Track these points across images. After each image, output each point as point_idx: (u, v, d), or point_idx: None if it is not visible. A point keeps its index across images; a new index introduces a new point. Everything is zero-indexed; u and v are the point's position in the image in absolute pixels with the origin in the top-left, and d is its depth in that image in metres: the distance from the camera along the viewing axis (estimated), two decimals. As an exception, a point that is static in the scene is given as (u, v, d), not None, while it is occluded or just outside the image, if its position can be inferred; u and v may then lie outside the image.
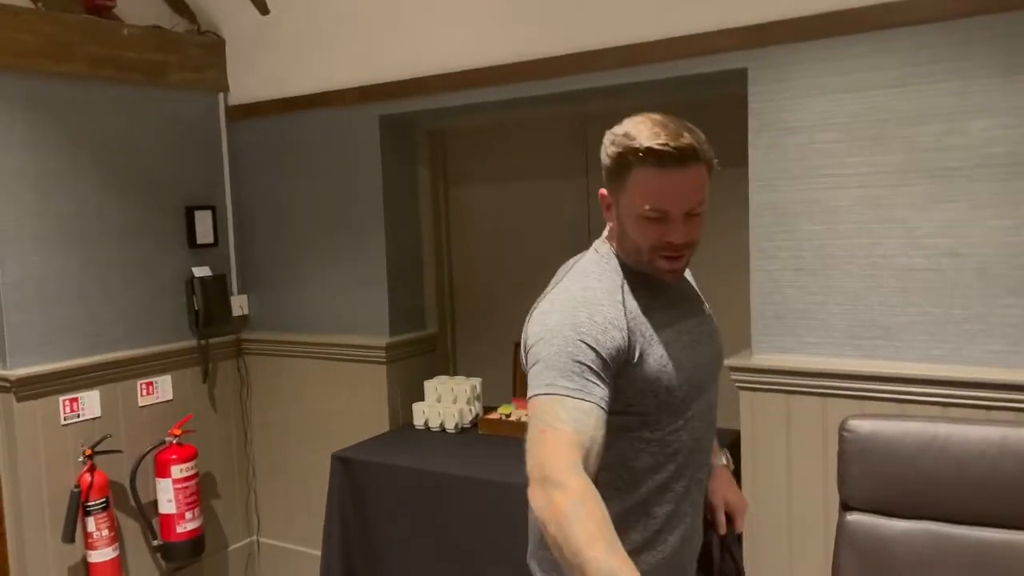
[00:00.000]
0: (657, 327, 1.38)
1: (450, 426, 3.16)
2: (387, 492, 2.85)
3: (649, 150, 1.30)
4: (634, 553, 1.31)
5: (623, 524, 1.34)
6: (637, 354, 1.34)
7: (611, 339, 1.32)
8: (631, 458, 1.39)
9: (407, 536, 2.81)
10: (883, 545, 1.56)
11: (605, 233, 1.52)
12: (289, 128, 3.51)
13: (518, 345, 3.25)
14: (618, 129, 1.39)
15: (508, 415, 3.12)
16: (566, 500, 1.16)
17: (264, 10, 3.52)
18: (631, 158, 1.32)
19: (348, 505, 2.93)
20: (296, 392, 3.57)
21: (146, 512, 3.30)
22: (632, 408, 1.37)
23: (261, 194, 3.64)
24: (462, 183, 3.54)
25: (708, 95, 2.74)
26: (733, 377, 2.50)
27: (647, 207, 1.32)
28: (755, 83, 2.49)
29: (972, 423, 1.59)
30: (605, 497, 1.21)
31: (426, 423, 3.22)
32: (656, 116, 1.35)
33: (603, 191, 1.42)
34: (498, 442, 3.00)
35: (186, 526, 3.27)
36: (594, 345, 1.30)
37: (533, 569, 1.53)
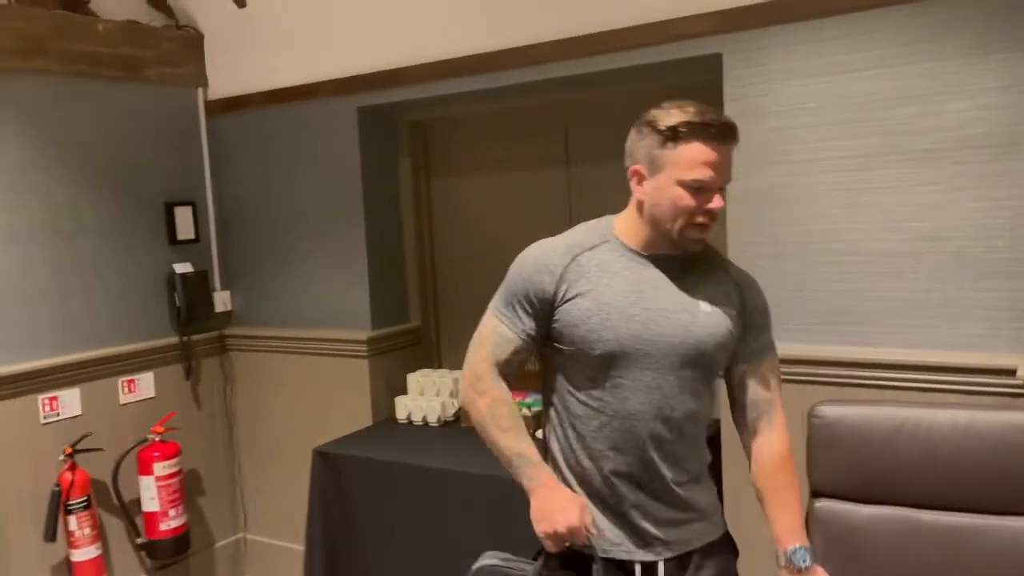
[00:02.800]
0: (607, 288, 1.55)
1: (433, 420, 3.14)
2: (369, 486, 2.84)
3: (704, 124, 1.46)
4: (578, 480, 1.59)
5: (568, 454, 1.61)
6: (563, 298, 1.56)
7: (539, 281, 1.58)
8: (568, 399, 1.61)
9: (390, 530, 2.80)
10: (851, 531, 1.53)
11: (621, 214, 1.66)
12: (269, 122, 3.48)
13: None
14: (664, 107, 1.53)
15: (491, 407, 3.10)
16: (484, 404, 1.62)
17: (241, 3, 3.49)
18: (683, 130, 1.47)
19: (330, 500, 2.91)
20: (280, 387, 3.55)
21: (129, 510, 3.28)
22: (560, 345, 1.59)
23: (242, 189, 3.61)
24: (445, 174, 3.51)
25: (685, 82, 2.71)
26: (712, 365, 2.48)
27: (694, 176, 1.47)
28: (730, 68, 2.46)
29: (940, 407, 1.56)
30: (551, 426, 1.64)
31: (409, 417, 3.21)
32: (690, 102, 1.51)
33: (636, 166, 1.55)
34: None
35: (170, 524, 3.25)
36: (526, 283, 1.59)
37: None
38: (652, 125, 1.52)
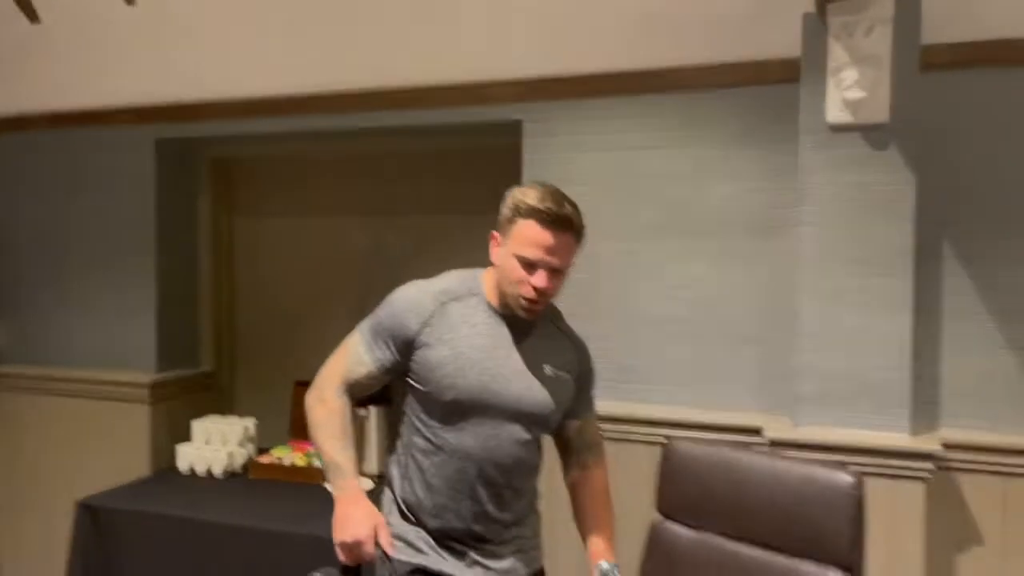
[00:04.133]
0: (465, 339, 1.67)
1: (218, 470, 2.98)
2: (139, 543, 2.63)
3: (535, 209, 1.61)
4: (412, 506, 1.72)
5: (405, 481, 1.74)
6: (425, 341, 1.67)
7: (406, 320, 1.68)
8: (415, 432, 1.73)
9: (161, 592, 2.60)
10: (676, 551, 1.76)
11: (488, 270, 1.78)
12: (57, 145, 3.25)
13: (299, 384, 3.20)
14: (527, 185, 1.69)
15: (283, 458, 2.99)
16: (323, 410, 1.72)
17: (34, 18, 3.25)
18: (523, 208, 1.62)
19: (93, 557, 2.68)
20: (49, 432, 3.25)
21: None
22: (415, 384, 1.70)
23: (21, 214, 3.33)
24: (251, 214, 3.40)
25: (489, 143, 2.82)
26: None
27: (525, 253, 1.62)
28: (529, 135, 2.59)
29: (762, 455, 1.80)
30: (397, 454, 1.78)
31: (191, 468, 3.03)
32: (551, 187, 1.66)
33: (495, 232, 1.70)
34: (270, 487, 2.86)
35: (-102, 587, 2.86)
36: (393, 320, 1.70)
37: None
38: (510, 199, 1.66)
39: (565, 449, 1.84)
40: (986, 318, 2.20)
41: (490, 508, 1.69)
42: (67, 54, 3.20)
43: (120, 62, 3.12)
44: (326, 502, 2.65)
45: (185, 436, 3.12)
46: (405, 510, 1.74)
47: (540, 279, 1.62)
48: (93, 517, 2.68)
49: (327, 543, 2.31)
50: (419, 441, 1.72)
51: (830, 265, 2.19)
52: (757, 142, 2.38)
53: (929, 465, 2.06)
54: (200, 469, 3.01)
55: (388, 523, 1.71)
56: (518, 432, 1.69)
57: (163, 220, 3.15)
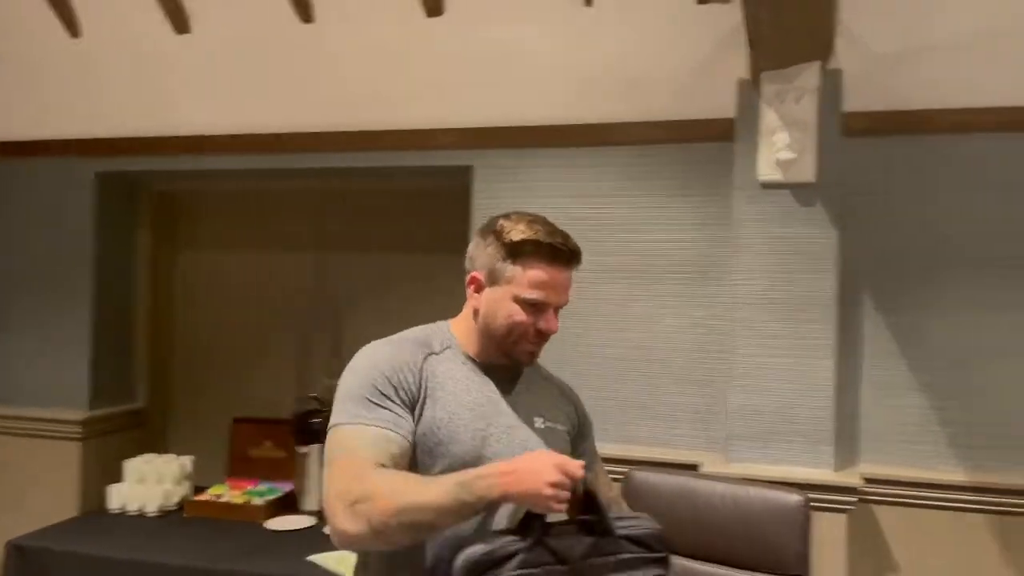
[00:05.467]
0: (454, 397, 1.42)
1: (152, 509, 2.92)
2: (70, 584, 2.56)
3: (550, 246, 1.42)
4: None
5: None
6: (422, 400, 1.41)
7: (404, 377, 1.40)
8: None
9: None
10: None
11: (456, 320, 1.54)
12: (-9, 176, 3.18)
13: (237, 420, 3.17)
14: (513, 218, 1.47)
15: (220, 496, 2.96)
16: (381, 495, 1.24)
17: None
18: (529, 247, 1.42)
19: (24, 601, 2.59)
20: (-33, 472, 3.12)
21: None
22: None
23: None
24: (193, 248, 3.39)
25: (441, 186, 2.91)
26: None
27: (531, 296, 1.42)
28: (479, 180, 2.69)
29: (717, 480, 1.97)
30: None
31: (124, 507, 2.96)
32: (538, 217, 1.48)
33: (476, 273, 1.48)
34: (206, 525, 2.82)
35: None
36: (389, 379, 1.38)
37: None
38: (498, 235, 1.45)
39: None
40: (900, 361, 2.40)
41: None
42: (8, 85, 3.14)
43: (62, 94, 3.08)
44: (266, 539, 2.67)
45: (118, 474, 3.05)
46: None
47: (551, 321, 1.45)
48: (23, 558, 2.60)
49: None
50: None
51: (761, 311, 2.36)
52: (694, 194, 2.54)
53: (851, 498, 2.22)
54: (132, 508, 2.94)
55: None
56: None
57: (101, 253, 3.10)
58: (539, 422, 1.51)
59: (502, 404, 1.47)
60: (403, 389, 1.39)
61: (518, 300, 1.43)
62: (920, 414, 2.38)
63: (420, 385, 1.41)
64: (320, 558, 2.43)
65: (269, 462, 3.14)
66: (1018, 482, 2.28)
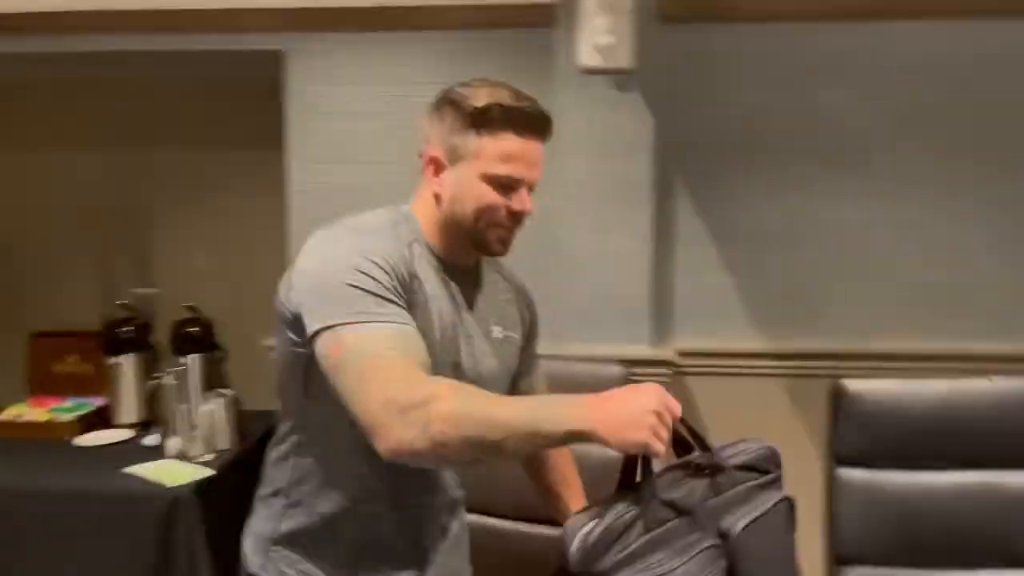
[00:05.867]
0: (429, 300, 1.26)
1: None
2: None
3: (520, 110, 1.23)
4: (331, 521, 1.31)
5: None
6: (408, 307, 1.21)
7: (401, 273, 1.21)
8: (337, 424, 1.18)
9: None
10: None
11: (410, 202, 1.35)
12: None
13: (34, 335, 2.90)
14: (473, 84, 1.27)
15: (21, 416, 2.73)
16: (447, 400, 1.04)
17: None
18: (496, 112, 1.22)
19: None
20: None
21: None
22: None
23: None
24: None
25: (246, 74, 2.71)
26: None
27: (502, 171, 1.23)
28: (292, 67, 2.53)
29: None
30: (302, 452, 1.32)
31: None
32: (502, 82, 1.28)
33: (434, 152, 1.27)
34: (6, 446, 2.59)
35: None
36: (388, 272, 1.18)
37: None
38: (456, 105, 1.24)
39: None
40: (709, 242, 2.55)
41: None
42: None
43: None
44: (75, 455, 2.49)
45: None
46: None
47: (524, 200, 1.26)
48: None
49: (87, 495, 2.15)
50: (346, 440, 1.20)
51: (581, 197, 2.41)
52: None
53: (667, 371, 2.38)
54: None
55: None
56: None
57: None
58: (497, 331, 1.37)
59: (466, 312, 1.33)
60: (402, 286, 1.20)
61: (487, 177, 1.23)
62: (727, 292, 2.56)
63: (410, 288, 1.22)
64: (137, 468, 2.31)
65: (75, 377, 2.91)
66: (808, 346, 2.52)
